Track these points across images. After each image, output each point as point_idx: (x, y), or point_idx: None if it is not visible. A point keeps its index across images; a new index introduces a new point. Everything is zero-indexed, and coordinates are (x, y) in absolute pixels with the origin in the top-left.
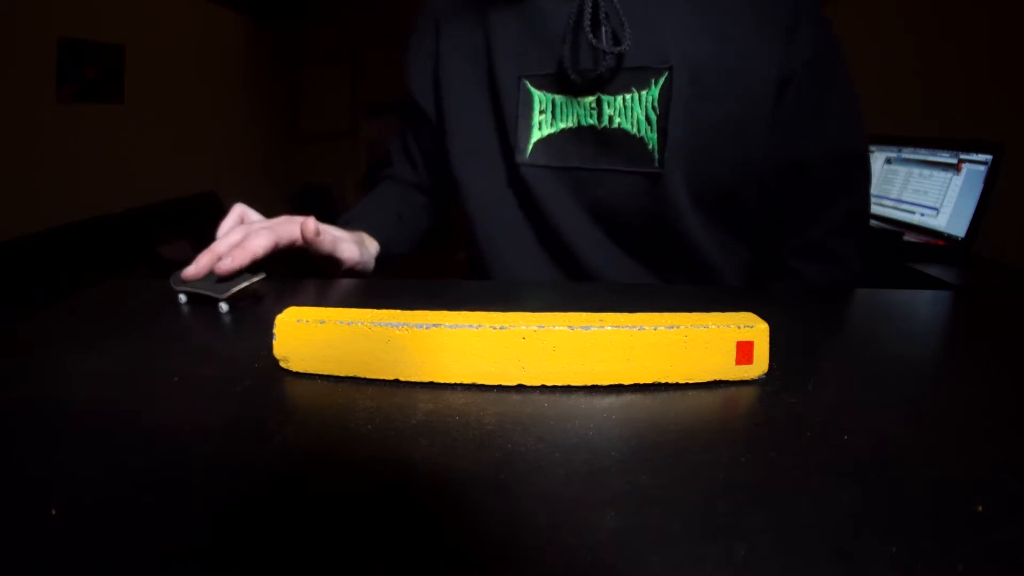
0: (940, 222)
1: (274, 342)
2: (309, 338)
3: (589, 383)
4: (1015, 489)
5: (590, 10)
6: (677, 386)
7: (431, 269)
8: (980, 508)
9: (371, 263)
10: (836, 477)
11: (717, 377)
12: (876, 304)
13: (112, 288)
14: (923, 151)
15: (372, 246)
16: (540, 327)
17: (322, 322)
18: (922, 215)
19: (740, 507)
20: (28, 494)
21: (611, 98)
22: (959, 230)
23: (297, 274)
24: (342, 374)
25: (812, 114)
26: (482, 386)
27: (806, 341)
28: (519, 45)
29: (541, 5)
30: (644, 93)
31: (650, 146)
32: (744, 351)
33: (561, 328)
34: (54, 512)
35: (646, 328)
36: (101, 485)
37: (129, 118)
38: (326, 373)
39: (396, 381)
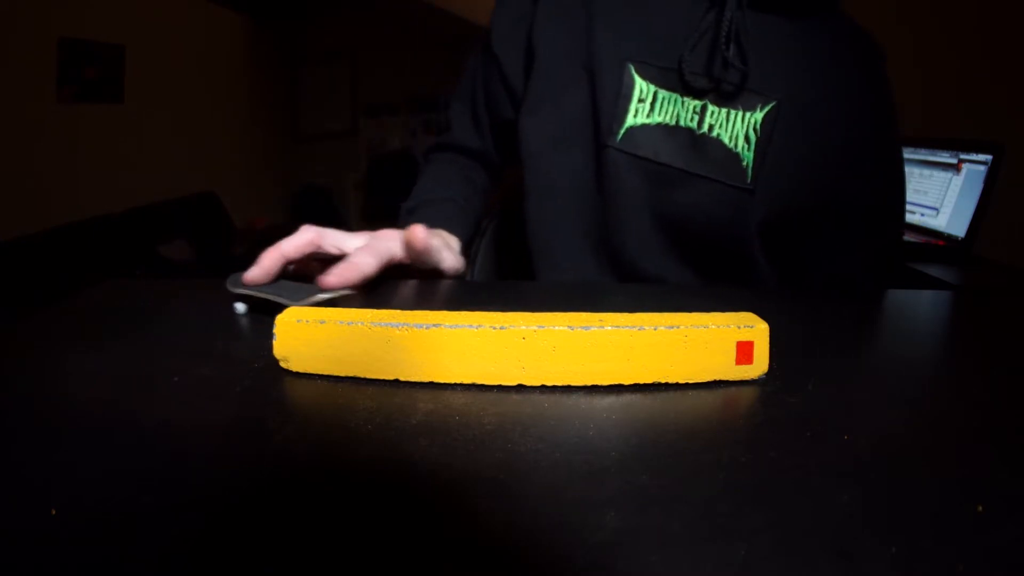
0: (940, 222)
1: (274, 342)
2: (309, 338)
3: (589, 383)
4: (1015, 489)
5: (727, 24)
6: (677, 386)
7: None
8: (980, 508)
9: (463, 266)
10: (836, 477)
11: (717, 377)
12: (876, 304)
13: (112, 288)
14: (923, 151)
15: (456, 244)
16: (540, 327)
17: (322, 322)
18: (922, 215)
19: (740, 507)
20: (28, 494)
21: (716, 108)
22: (959, 230)
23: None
24: (342, 374)
25: (870, 167)
26: (482, 386)
27: (806, 341)
28: (630, 30)
29: (677, 2)
30: (749, 114)
31: (744, 163)
32: (744, 351)
33: (561, 328)
34: (54, 512)
35: (646, 328)
36: (101, 485)
37: (129, 118)
38: (326, 373)
39: (396, 381)
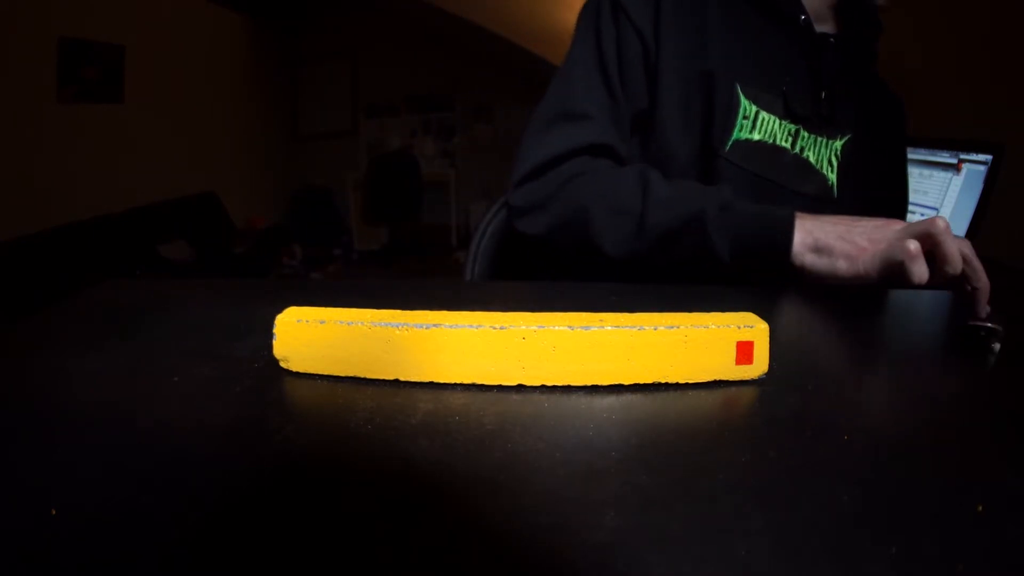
0: None
1: (274, 342)
2: (309, 338)
3: (589, 383)
4: (1015, 489)
5: (828, 66)
6: (677, 386)
7: (430, 269)
8: (980, 508)
9: None
10: (836, 477)
11: (717, 377)
12: (875, 304)
13: (112, 288)
14: (923, 151)
15: None
16: (540, 327)
17: (322, 322)
18: (922, 215)
19: (740, 507)
20: (28, 494)
21: (807, 133)
22: (959, 230)
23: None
24: (342, 374)
25: (898, 185)
26: (482, 386)
27: (806, 341)
28: (738, 52)
29: (774, 35)
30: (831, 141)
31: (829, 183)
32: (744, 351)
33: (561, 328)
34: (54, 512)
35: (646, 328)
36: (101, 485)
37: (129, 118)
38: (326, 373)
39: (396, 381)
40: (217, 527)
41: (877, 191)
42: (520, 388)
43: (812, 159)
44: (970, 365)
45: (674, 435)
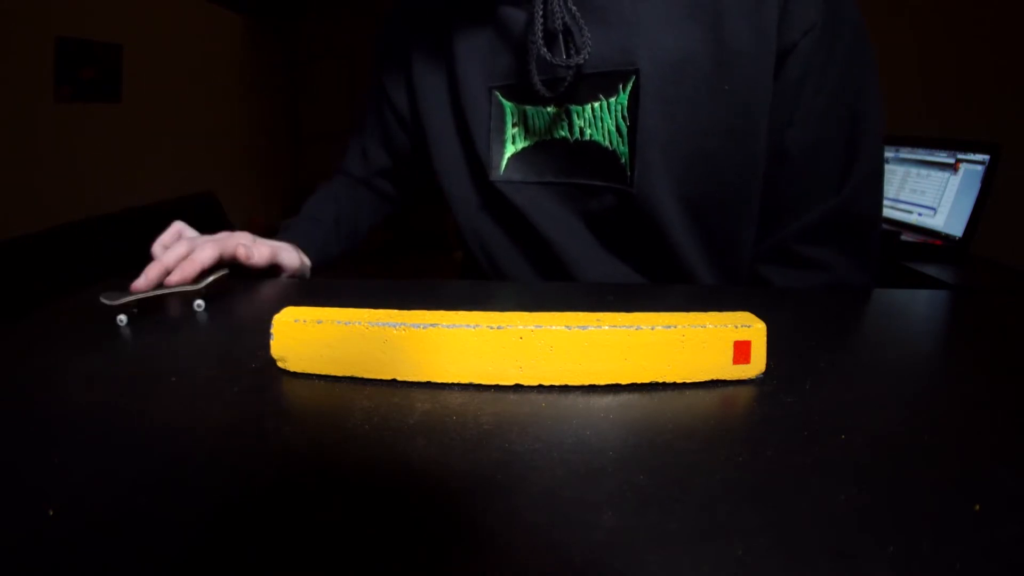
0: (937, 222)
1: (271, 342)
2: (306, 338)
3: (586, 383)
4: (1013, 489)
5: (541, 18)
6: (674, 386)
7: (429, 269)
8: (977, 508)
9: (308, 271)
10: (833, 477)
11: (714, 377)
12: (874, 304)
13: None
14: (921, 151)
15: (306, 257)
16: (537, 327)
17: (319, 322)
18: (919, 215)
19: (738, 507)
20: (26, 495)
21: (579, 108)
22: (956, 230)
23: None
24: (339, 374)
25: (803, 89)
26: (479, 386)
27: (804, 341)
28: (488, 54)
29: (504, 12)
30: (612, 100)
31: (622, 160)
32: (741, 350)
33: (558, 328)
34: (51, 513)
35: (643, 328)
36: (98, 486)
37: (127, 118)
38: (323, 373)
39: (393, 381)
40: (215, 527)
41: (724, 124)
42: (517, 388)
43: (598, 137)
44: (967, 365)
45: (671, 435)
